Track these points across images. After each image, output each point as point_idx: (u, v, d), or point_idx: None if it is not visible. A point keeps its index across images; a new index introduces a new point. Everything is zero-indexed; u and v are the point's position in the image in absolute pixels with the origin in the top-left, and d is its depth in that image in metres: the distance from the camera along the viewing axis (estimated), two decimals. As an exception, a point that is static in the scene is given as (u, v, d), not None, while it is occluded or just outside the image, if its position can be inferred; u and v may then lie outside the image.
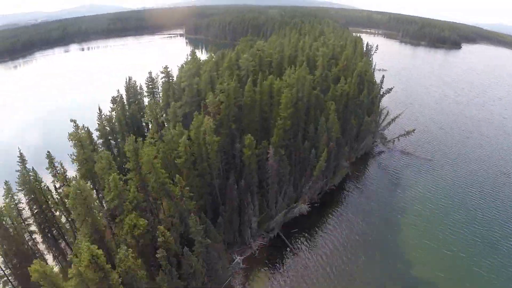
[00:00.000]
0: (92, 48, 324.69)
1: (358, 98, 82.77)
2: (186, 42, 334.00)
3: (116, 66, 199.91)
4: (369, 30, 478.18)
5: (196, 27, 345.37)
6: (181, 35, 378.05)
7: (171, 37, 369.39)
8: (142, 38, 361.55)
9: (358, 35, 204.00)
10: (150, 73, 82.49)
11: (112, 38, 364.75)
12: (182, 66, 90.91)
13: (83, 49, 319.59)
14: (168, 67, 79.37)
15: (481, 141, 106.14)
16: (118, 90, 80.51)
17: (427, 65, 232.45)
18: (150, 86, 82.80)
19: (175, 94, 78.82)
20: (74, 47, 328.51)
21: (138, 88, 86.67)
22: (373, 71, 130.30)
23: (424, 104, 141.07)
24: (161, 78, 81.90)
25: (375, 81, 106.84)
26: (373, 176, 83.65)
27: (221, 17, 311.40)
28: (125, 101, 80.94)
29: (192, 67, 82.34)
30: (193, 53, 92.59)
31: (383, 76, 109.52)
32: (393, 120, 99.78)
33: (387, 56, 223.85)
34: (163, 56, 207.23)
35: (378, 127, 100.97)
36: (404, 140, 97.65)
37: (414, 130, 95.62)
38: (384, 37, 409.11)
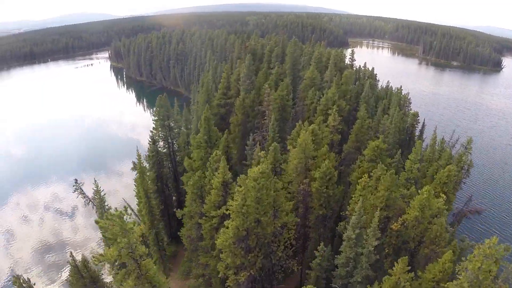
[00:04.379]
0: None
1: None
2: (111, 73, 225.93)
3: None
4: (371, 42, 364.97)
5: (117, 51, 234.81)
6: (106, 59, 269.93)
7: (88, 65, 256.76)
8: (51, 67, 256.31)
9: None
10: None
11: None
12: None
13: None
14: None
15: None
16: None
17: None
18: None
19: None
20: None
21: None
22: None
23: None
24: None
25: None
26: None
27: (140, 40, 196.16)
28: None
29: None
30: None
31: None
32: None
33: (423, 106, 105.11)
34: None
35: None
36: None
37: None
38: (393, 52, 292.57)
